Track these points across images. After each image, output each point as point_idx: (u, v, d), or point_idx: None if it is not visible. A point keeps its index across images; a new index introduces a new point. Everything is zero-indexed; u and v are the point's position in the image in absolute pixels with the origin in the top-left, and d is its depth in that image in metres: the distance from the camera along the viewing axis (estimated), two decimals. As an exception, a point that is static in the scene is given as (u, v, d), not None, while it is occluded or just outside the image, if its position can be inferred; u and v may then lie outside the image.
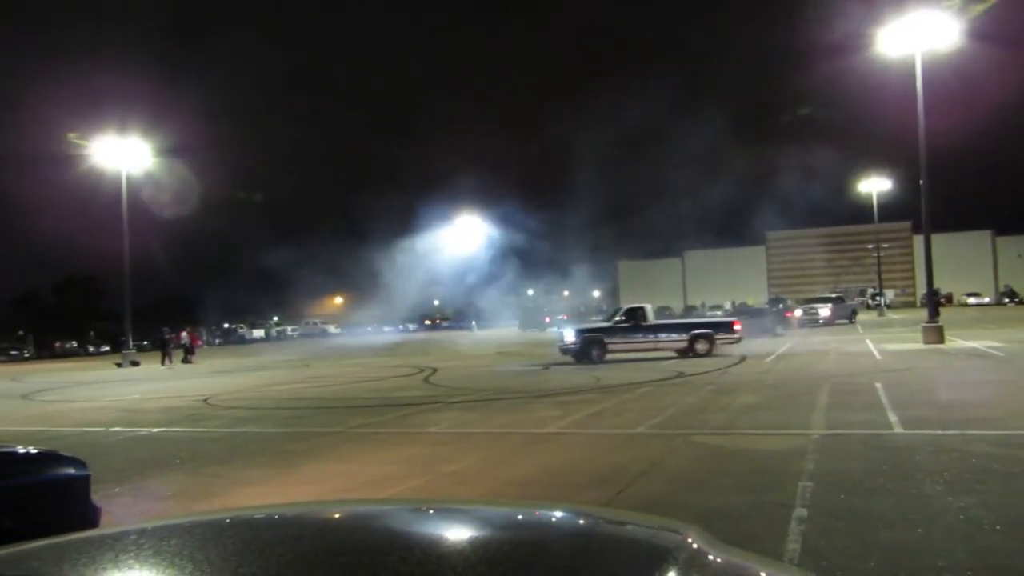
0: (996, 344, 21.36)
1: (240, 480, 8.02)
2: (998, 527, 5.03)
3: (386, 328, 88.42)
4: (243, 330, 79.01)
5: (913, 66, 24.84)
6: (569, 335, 23.55)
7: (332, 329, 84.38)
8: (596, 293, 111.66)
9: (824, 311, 42.66)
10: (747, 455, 8.06)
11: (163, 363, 33.97)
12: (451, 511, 2.02)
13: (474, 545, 1.62)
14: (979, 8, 24.34)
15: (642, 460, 7.98)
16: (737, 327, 23.70)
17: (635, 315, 23.56)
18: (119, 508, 6.73)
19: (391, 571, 1.36)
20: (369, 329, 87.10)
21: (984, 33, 26.46)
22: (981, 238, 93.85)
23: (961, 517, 5.30)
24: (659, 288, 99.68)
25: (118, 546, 1.56)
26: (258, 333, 77.99)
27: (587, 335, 23.35)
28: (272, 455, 9.44)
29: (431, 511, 2.03)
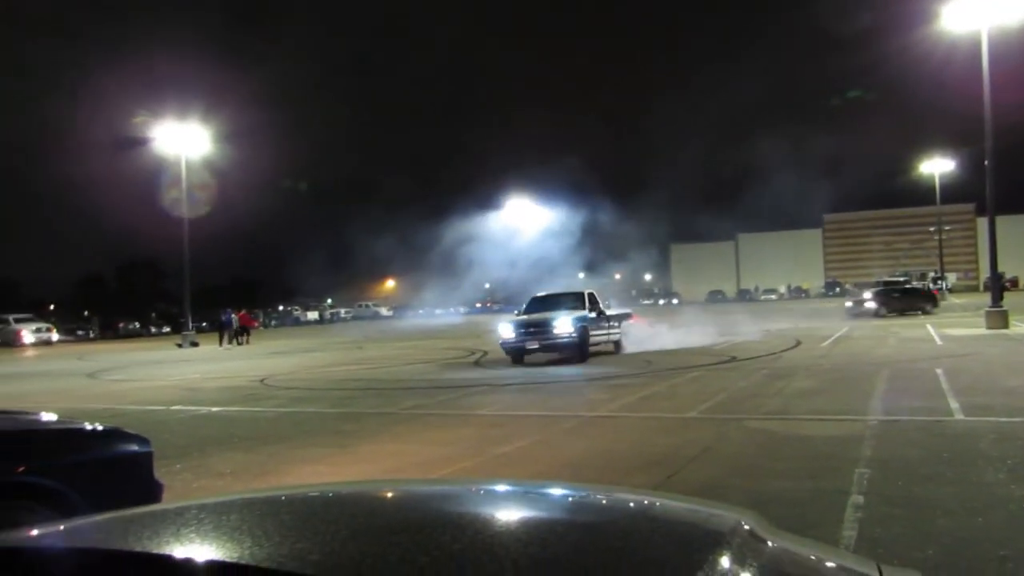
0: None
1: (296, 459, 8.19)
2: (1063, 517, 4.88)
3: (438, 311, 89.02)
4: (298, 312, 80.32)
5: (979, 42, 23.97)
6: (507, 330, 18.67)
7: (384, 312, 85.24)
8: (648, 276, 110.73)
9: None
10: (802, 441, 7.95)
11: (221, 344, 34.78)
12: (502, 492, 2.05)
13: (526, 525, 1.63)
14: None
15: (694, 444, 7.93)
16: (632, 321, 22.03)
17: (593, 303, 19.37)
18: (181, 484, 6.94)
19: (444, 549, 1.38)
20: (421, 312, 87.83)
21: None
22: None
23: (1022, 506, 5.16)
24: (711, 272, 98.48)
25: (179, 520, 1.61)
26: (312, 315, 79.20)
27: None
28: (327, 435, 9.62)
29: (483, 491, 2.05)
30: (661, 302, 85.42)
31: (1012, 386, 10.78)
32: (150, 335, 60.64)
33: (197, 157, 39.09)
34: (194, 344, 35.94)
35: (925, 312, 32.73)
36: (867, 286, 44.65)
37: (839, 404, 10.05)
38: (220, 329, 37.09)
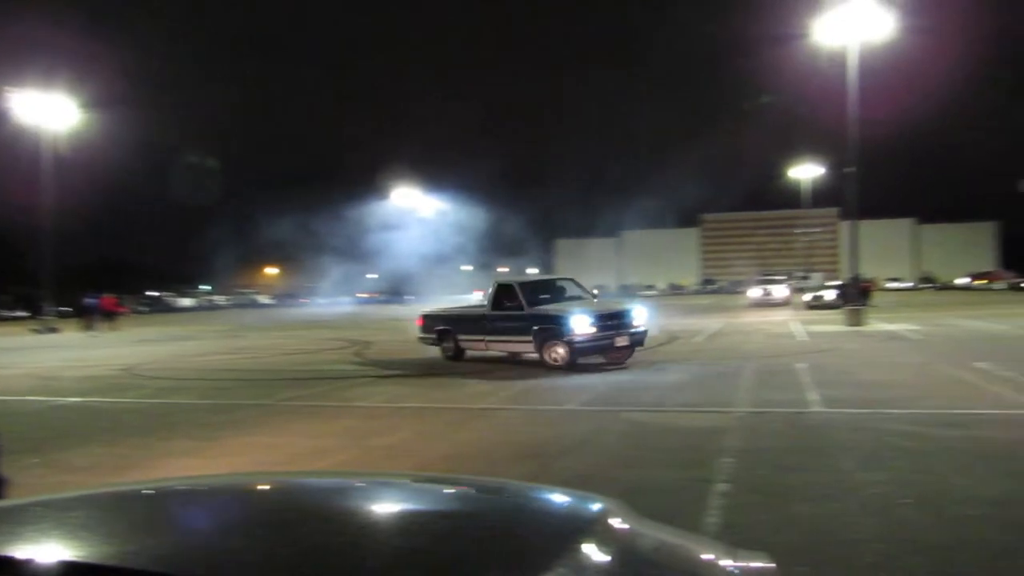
0: (913, 327, 22.19)
1: (161, 452, 7.84)
2: (908, 502, 5.24)
3: (320, 300, 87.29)
4: (171, 298, 76.90)
5: (847, 56, 25.43)
6: (583, 324, 13.82)
7: (265, 300, 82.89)
8: (534, 270, 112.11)
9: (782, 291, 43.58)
10: (673, 432, 8.22)
11: (85, 330, 32.90)
12: (370, 484, 2.00)
13: (392, 517, 1.60)
14: None
15: (572, 436, 8.08)
16: None
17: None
18: (34, 480, 6.49)
19: (305, 543, 1.34)
20: (303, 301, 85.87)
21: (916, 26, 27.21)
22: (904, 226, 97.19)
23: (874, 492, 5.50)
24: (595, 267, 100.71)
25: (19, 518, 1.50)
26: (187, 302, 76.09)
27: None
28: (196, 427, 9.24)
29: (351, 484, 2.00)
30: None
31: (866, 380, 11.50)
32: (2, 320, 56.69)
33: (62, 129, 36.72)
34: (52, 330, 33.85)
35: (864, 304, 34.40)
36: (755, 282, 47.16)
37: (710, 396, 10.46)
38: (83, 314, 35.08)
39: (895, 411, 8.77)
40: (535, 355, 14.41)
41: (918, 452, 6.76)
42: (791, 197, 68.65)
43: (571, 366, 13.65)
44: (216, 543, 1.36)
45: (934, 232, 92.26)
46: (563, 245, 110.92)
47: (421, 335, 17.14)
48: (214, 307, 76.63)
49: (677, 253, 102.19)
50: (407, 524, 1.53)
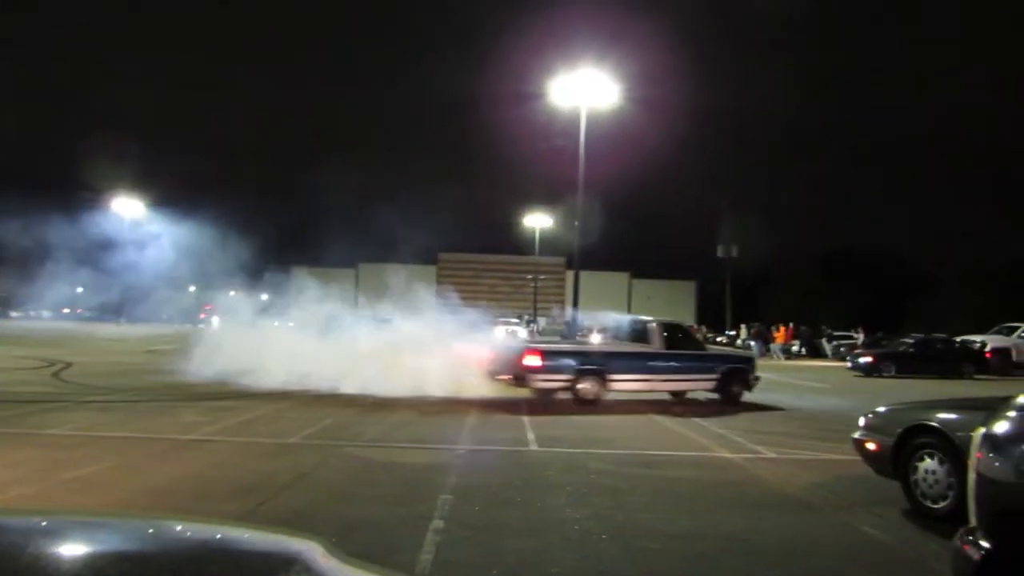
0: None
1: None
2: (604, 536, 5.68)
3: (13, 314, 77.13)
4: None
5: (579, 117, 27.64)
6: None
7: (-59, 310, 71.58)
8: (265, 296, 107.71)
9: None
10: (396, 468, 8.26)
11: None
12: (49, 523, 1.81)
13: (65, 560, 1.46)
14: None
15: (291, 471, 7.82)
16: None
17: None
18: None
19: None
20: (-8, 314, 75.34)
21: (639, 97, 30.24)
22: (620, 278, 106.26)
23: (576, 527, 5.90)
24: (331, 297, 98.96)
25: None
26: None
27: None
28: None
29: (23, 523, 1.79)
30: (276, 323, 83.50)
31: (577, 420, 12.34)
32: None
33: None
34: None
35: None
36: (498, 322, 49.17)
37: (434, 433, 10.65)
38: None
39: (601, 451, 9.50)
40: (713, 394, 15.41)
41: (616, 489, 7.37)
42: (524, 244, 72.51)
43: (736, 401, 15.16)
44: None
45: (645, 286, 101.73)
46: (300, 273, 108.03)
47: (542, 378, 14.28)
48: None
49: (415, 288, 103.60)
50: (80, 568, 1.41)
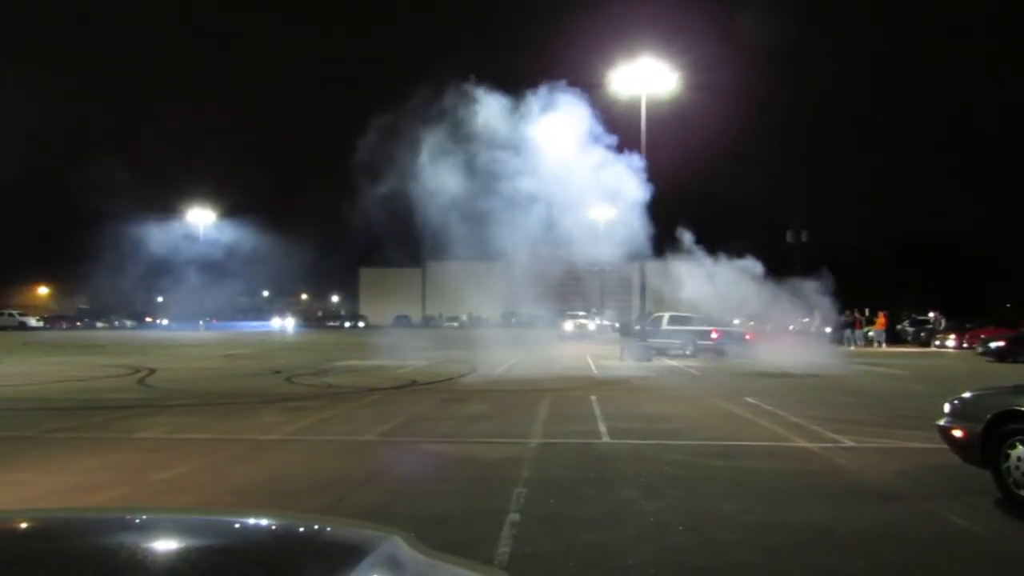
0: (693, 363, 23.98)
1: None
2: (680, 527, 5.62)
3: (99, 324, 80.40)
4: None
5: (639, 105, 27.41)
6: None
7: (33, 322, 74.96)
8: (335, 298, 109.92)
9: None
10: (470, 462, 8.33)
11: None
12: (141, 520, 1.88)
13: (159, 554, 1.52)
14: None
15: (368, 467, 7.97)
16: None
17: None
18: None
19: None
20: (79, 324, 78.67)
21: (699, 83, 29.81)
22: (689, 268, 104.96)
23: (651, 519, 5.86)
24: (398, 297, 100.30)
25: None
26: (-66, 322, 67.17)
27: None
28: (-59, 461, 8.19)
29: (117, 519, 1.87)
30: (347, 324, 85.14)
31: (648, 412, 12.25)
32: None
33: None
34: None
35: None
36: (567, 316, 50.00)
37: (506, 428, 10.71)
38: None
39: (674, 442, 9.41)
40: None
41: (692, 481, 7.29)
42: (589, 238, 72.20)
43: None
44: None
45: (713, 274, 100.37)
46: (366, 274, 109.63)
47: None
48: (-30, 328, 68.38)
49: (481, 286, 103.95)
50: (174, 561, 1.46)
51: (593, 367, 22.79)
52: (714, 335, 26.92)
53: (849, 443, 9.39)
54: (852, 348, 35.27)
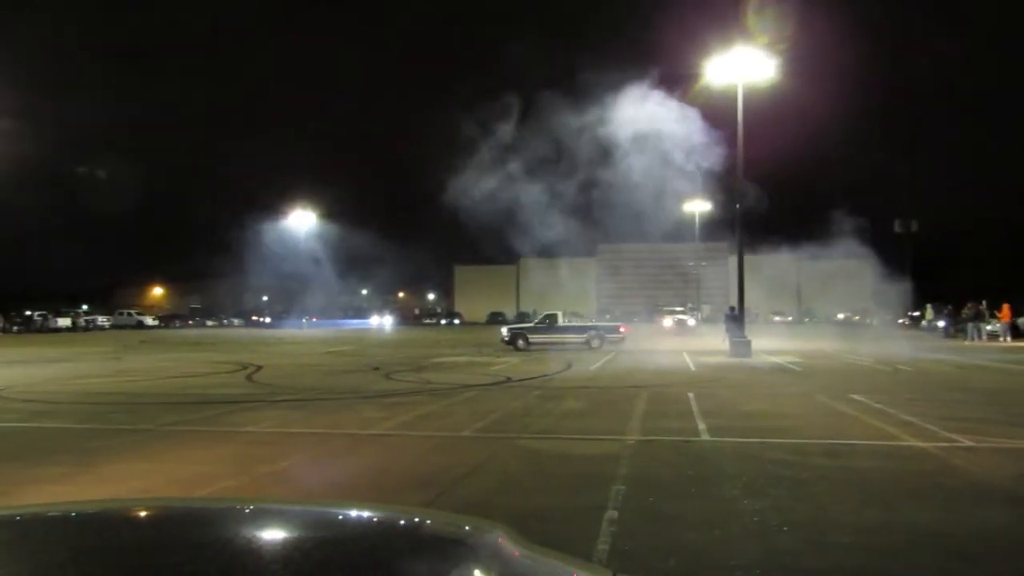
0: (796, 360, 23.23)
1: (30, 478, 7.35)
2: (786, 528, 5.44)
3: (209, 322, 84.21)
4: (44, 318, 72.32)
5: (735, 96, 26.64)
6: None
7: (150, 321, 79.18)
8: (431, 296, 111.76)
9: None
10: (566, 459, 8.31)
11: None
12: (252, 510, 1.94)
13: (272, 544, 1.56)
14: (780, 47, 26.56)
15: (465, 463, 8.04)
16: None
17: None
18: None
19: (175, 570, 1.29)
20: (191, 323, 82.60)
21: (798, 70, 28.82)
22: (788, 261, 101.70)
23: (755, 519, 5.69)
24: (493, 294, 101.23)
25: None
26: (64, 322, 71.58)
27: None
28: (69, 452, 8.72)
29: (230, 510, 1.93)
30: (443, 322, 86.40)
31: (749, 409, 11.94)
32: None
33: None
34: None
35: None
36: (665, 312, 49.76)
37: (602, 424, 10.63)
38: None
39: (777, 440, 9.13)
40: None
41: (796, 480, 7.05)
42: (687, 231, 70.91)
43: None
44: (81, 570, 1.30)
45: (814, 268, 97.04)
46: (461, 271, 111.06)
47: None
48: (95, 328, 72.73)
49: (574, 282, 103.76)
50: (287, 551, 1.50)
51: (690, 363, 22.40)
52: (592, 331, 29.89)
53: (968, 443, 8.90)
54: (973, 342, 33.45)
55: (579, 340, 29.14)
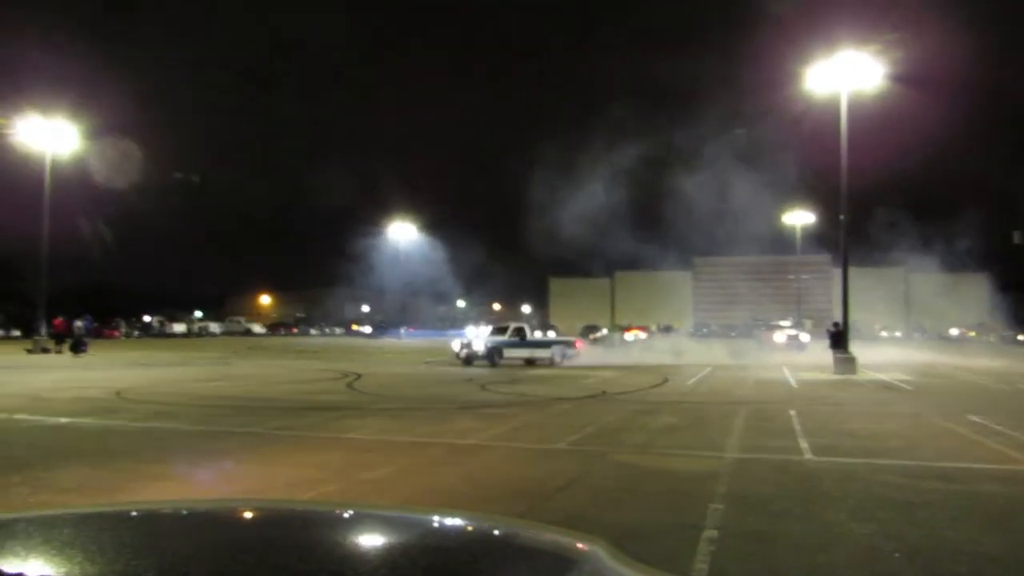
0: (905, 377, 22.20)
1: (148, 475, 7.77)
2: (897, 554, 5.22)
3: (312, 331, 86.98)
4: (161, 324, 76.26)
5: (838, 104, 25.77)
6: None
7: (257, 329, 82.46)
8: (527, 308, 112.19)
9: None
10: (663, 475, 8.19)
11: (73, 352, 32.77)
12: (359, 515, 2.01)
13: (379, 549, 1.61)
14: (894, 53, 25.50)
15: (560, 476, 8.03)
16: None
17: None
18: (16, 498, 6.45)
19: (289, 570, 1.35)
20: (295, 331, 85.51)
21: (906, 76, 27.65)
22: (896, 274, 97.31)
23: (864, 544, 5.48)
24: (587, 306, 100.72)
25: (4, 533, 1.50)
26: (179, 328, 75.40)
27: None
28: (184, 452, 9.17)
29: (339, 514, 2.01)
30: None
31: (855, 429, 11.49)
32: (-3, 339, 56.33)
33: (65, 154, 37.11)
34: (45, 350, 33.68)
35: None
36: (774, 327, 48.26)
37: (700, 440, 10.43)
38: (68, 337, 34.94)
39: (885, 462, 8.76)
40: None
41: (907, 504, 6.74)
42: (787, 244, 68.91)
43: None
44: (202, 566, 1.37)
45: (924, 282, 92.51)
46: (556, 284, 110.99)
47: None
48: (207, 334, 76.20)
49: (669, 295, 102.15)
50: (395, 556, 1.54)
51: (791, 379, 21.73)
52: (552, 347, 29.83)
53: (1097, 471, 8.32)
54: None
55: (546, 356, 29.06)
